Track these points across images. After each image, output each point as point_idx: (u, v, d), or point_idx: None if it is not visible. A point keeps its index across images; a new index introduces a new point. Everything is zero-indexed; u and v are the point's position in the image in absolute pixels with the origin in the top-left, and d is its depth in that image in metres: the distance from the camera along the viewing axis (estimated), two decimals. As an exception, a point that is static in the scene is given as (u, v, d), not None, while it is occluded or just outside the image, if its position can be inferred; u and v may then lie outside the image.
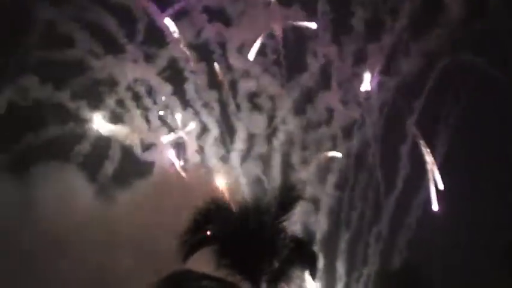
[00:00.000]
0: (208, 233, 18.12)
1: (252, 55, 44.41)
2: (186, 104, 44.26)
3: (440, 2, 41.53)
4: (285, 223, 18.30)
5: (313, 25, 44.34)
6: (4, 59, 38.97)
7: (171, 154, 44.41)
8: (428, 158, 44.40)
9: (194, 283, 17.64)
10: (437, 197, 44.33)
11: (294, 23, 44.42)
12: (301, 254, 18.30)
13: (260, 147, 45.20)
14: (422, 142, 44.55)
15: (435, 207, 44.24)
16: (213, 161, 45.03)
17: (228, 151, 45.21)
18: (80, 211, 39.76)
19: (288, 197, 18.42)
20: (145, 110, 43.80)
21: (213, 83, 44.50)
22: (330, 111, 45.43)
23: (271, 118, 45.24)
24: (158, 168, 43.72)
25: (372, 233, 44.73)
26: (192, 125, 44.46)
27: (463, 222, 40.47)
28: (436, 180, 44.36)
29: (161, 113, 44.10)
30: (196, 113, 44.41)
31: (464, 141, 41.88)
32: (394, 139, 44.66)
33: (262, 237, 17.93)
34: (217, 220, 18.00)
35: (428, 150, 44.35)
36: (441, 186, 44.23)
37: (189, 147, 44.64)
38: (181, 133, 44.45)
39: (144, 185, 41.85)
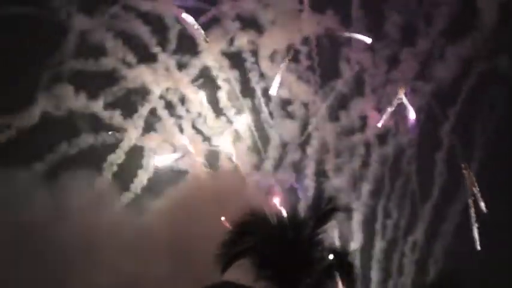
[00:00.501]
0: (246, 244, 18.39)
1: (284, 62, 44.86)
2: (219, 112, 44.86)
3: (476, 6, 41.56)
4: (321, 235, 18.56)
5: (367, 40, 44.53)
6: (39, 69, 40.01)
7: (204, 162, 44.94)
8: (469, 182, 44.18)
9: (234, 295, 17.98)
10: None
11: (338, 32, 44.66)
12: (338, 265, 18.53)
13: (293, 155, 45.66)
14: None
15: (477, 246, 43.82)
16: (247, 168, 45.55)
17: (260, 159, 45.71)
18: (113, 219, 40.52)
19: (324, 208, 18.68)
20: (178, 118, 44.41)
21: (246, 91, 45.06)
22: (364, 118, 45.76)
23: (304, 125, 45.65)
24: (191, 177, 44.26)
25: (407, 242, 44.86)
26: (225, 133, 44.88)
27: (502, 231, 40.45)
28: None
29: (194, 121, 44.62)
30: (229, 121, 44.95)
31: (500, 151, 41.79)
32: (429, 146, 44.75)
33: (299, 249, 18.22)
34: (256, 232, 18.31)
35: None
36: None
37: (223, 155, 45.18)
38: (214, 141, 44.96)
39: (177, 193, 42.37)
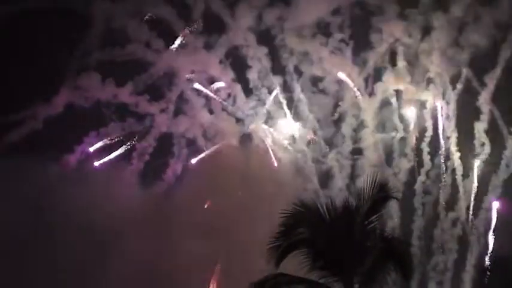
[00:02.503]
0: (299, 236, 19.00)
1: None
2: (249, 91, 45.31)
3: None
4: (375, 223, 19.08)
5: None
6: (65, 59, 40.70)
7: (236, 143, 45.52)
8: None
9: (288, 287, 18.60)
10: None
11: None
12: (393, 253, 19.02)
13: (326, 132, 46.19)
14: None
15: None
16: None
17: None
18: (146, 207, 41.63)
19: (376, 196, 19.15)
20: (208, 100, 44.92)
21: (277, 68, 45.30)
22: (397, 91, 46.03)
23: (337, 101, 46.04)
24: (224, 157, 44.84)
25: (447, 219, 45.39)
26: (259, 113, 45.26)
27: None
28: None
29: (224, 102, 45.13)
30: (261, 100, 45.38)
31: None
32: (468, 116, 44.97)
33: (353, 239, 18.77)
34: (308, 222, 18.91)
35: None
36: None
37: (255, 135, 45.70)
38: (247, 121, 45.43)
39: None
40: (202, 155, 45.03)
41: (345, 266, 18.62)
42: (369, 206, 19.02)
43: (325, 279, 18.73)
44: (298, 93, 45.76)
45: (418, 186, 45.81)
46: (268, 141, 45.91)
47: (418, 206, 45.71)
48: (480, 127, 44.60)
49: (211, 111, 45.29)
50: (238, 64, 44.94)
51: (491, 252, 44.12)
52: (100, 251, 39.69)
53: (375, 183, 19.18)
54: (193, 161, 44.92)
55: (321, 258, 18.65)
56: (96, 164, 43.74)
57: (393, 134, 45.99)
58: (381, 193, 19.19)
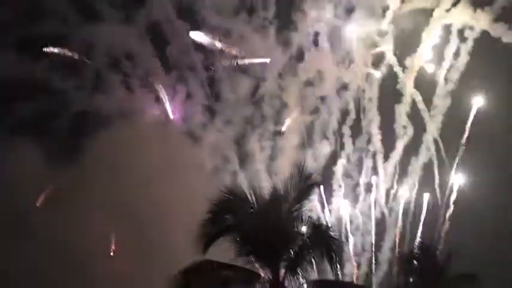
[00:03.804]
0: (226, 222, 19.60)
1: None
2: (170, 68, 45.40)
3: None
4: (302, 210, 19.87)
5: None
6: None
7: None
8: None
9: (214, 273, 19.17)
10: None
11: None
12: (319, 240, 19.87)
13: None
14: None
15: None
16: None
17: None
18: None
19: (304, 184, 19.93)
20: (125, 76, 44.87)
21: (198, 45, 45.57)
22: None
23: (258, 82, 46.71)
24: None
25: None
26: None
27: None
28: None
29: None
30: (181, 77, 45.58)
31: None
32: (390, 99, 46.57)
33: (279, 225, 19.50)
34: (236, 210, 19.52)
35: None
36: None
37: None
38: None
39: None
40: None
41: (272, 252, 19.35)
42: (296, 193, 19.81)
43: (251, 265, 19.47)
44: (220, 72, 45.98)
45: (338, 169, 47.04)
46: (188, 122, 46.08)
47: (338, 188, 47.00)
48: (402, 110, 46.15)
49: (129, 89, 44.98)
50: (158, 40, 44.66)
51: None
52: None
53: (301, 171, 19.95)
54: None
55: (248, 245, 19.34)
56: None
57: (315, 116, 46.92)
58: (308, 181, 19.98)
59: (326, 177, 45.80)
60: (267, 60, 46.01)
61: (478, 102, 45.26)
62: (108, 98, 44.16)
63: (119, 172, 41.22)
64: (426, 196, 46.12)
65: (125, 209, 40.17)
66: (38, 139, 41.34)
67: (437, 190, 46.04)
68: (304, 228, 20.07)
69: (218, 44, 45.04)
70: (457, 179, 45.83)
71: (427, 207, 46.01)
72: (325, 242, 19.84)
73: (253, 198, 19.64)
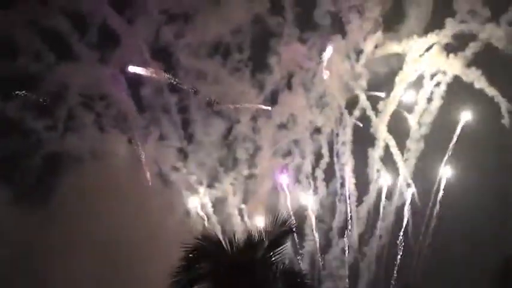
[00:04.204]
0: (200, 270, 19.43)
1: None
2: (143, 108, 45.40)
3: None
4: (277, 257, 19.79)
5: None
6: None
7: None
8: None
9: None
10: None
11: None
12: (295, 286, 19.80)
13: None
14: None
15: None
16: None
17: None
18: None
19: (278, 230, 19.88)
20: (98, 116, 44.66)
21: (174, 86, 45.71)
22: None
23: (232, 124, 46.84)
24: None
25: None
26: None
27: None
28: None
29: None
30: (155, 119, 45.54)
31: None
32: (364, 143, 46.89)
33: (254, 273, 19.38)
34: (210, 257, 19.39)
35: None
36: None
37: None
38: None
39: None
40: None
41: (247, 301, 19.24)
42: (272, 240, 19.74)
43: (225, 314, 19.31)
44: (194, 114, 46.05)
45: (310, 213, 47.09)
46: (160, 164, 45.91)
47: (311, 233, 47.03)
48: (375, 154, 46.49)
49: (101, 129, 44.78)
50: (133, 80, 44.73)
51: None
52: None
53: (277, 217, 19.92)
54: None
55: (222, 291, 19.21)
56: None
57: (289, 159, 47.04)
58: (283, 228, 19.95)
59: (298, 221, 45.47)
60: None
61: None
62: (80, 139, 43.75)
63: (89, 214, 40.71)
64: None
65: (95, 252, 39.60)
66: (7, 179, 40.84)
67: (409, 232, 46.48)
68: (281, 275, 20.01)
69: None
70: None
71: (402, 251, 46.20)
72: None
73: (228, 245, 19.51)
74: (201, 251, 19.37)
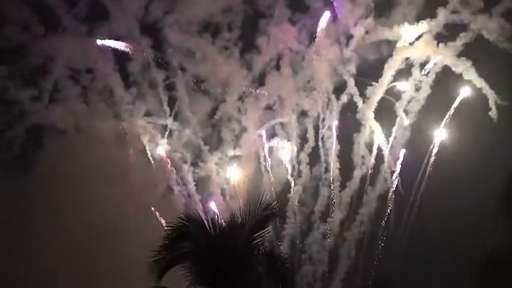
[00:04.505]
0: (182, 249, 19.42)
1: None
2: (129, 84, 45.18)
3: None
4: (260, 240, 19.82)
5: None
6: None
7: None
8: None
9: (167, 302, 18.99)
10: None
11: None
12: (276, 271, 19.85)
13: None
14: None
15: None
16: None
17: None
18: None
19: (261, 214, 19.90)
20: (84, 89, 44.35)
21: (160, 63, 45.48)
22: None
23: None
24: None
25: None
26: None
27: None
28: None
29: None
30: (141, 95, 45.36)
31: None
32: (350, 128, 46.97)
33: (237, 255, 19.40)
34: (192, 236, 19.37)
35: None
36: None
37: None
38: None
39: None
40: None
41: (228, 282, 19.23)
42: (254, 223, 19.76)
43: (207, 295, 19.35)
44: (181, 91, 45.87)
45: (293, 196, 47.19)
46: (145, 140, 45.78)
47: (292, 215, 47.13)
48: (360, 140, 46.60)
49: (86, 103, 44.53)
50: (119, 54, 44.50)
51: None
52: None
53: (261, 200, 19.94)
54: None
55: (204, 273, 19.19)
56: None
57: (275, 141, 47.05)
58: (267, 211, 19.98)
59: (280, 204, 45.72)
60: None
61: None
62: (64, 111, 43.49)
63: (69, 191, 40.51)
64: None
65: (74, 229, 39.48)
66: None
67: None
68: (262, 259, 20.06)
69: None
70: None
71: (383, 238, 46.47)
72: (281, 274, 19.88)
73: (210, 226, 19.50)
74: (184, 230, 19.38)
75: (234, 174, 46.85)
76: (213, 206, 45.44)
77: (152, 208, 42.25)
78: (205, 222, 19.60)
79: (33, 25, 41.53)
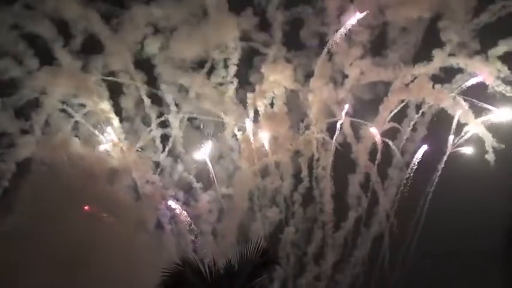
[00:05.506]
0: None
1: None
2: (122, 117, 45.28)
3: None
4: (256, 287, 19.75)
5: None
6: None
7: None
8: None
9: None
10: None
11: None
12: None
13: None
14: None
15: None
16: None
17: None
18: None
19: (259, 260, 19.84)
20: (76, 122, 44.29)
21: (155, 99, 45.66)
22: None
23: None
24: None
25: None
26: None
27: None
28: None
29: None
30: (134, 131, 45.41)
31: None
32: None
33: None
34: (189, 283, 19.29)
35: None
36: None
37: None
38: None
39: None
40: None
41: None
42: (251, 269, 19.71)
43: None
44: (175, 128, 45.93)
45: (285, 237, 47.02)
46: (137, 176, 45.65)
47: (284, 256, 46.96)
48: (355, 180, 46.64)
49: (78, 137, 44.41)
50: (114, 89, 44.54)
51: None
52: None
53: (258, 246, 19.90)
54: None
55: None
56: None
57: (268, 180, 46.98)
58: (264, 257, 19.93)
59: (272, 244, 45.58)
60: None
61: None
62: (55, 145, 43.39)
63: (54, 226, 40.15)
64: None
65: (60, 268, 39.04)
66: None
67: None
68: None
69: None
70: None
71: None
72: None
73: (207, 271, 19.44)
74: (180, 276, 19.30)
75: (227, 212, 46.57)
76: (205, 246, 45.05)
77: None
78: (202, 268, 19.57)
79: (27, 59, 41.43)
